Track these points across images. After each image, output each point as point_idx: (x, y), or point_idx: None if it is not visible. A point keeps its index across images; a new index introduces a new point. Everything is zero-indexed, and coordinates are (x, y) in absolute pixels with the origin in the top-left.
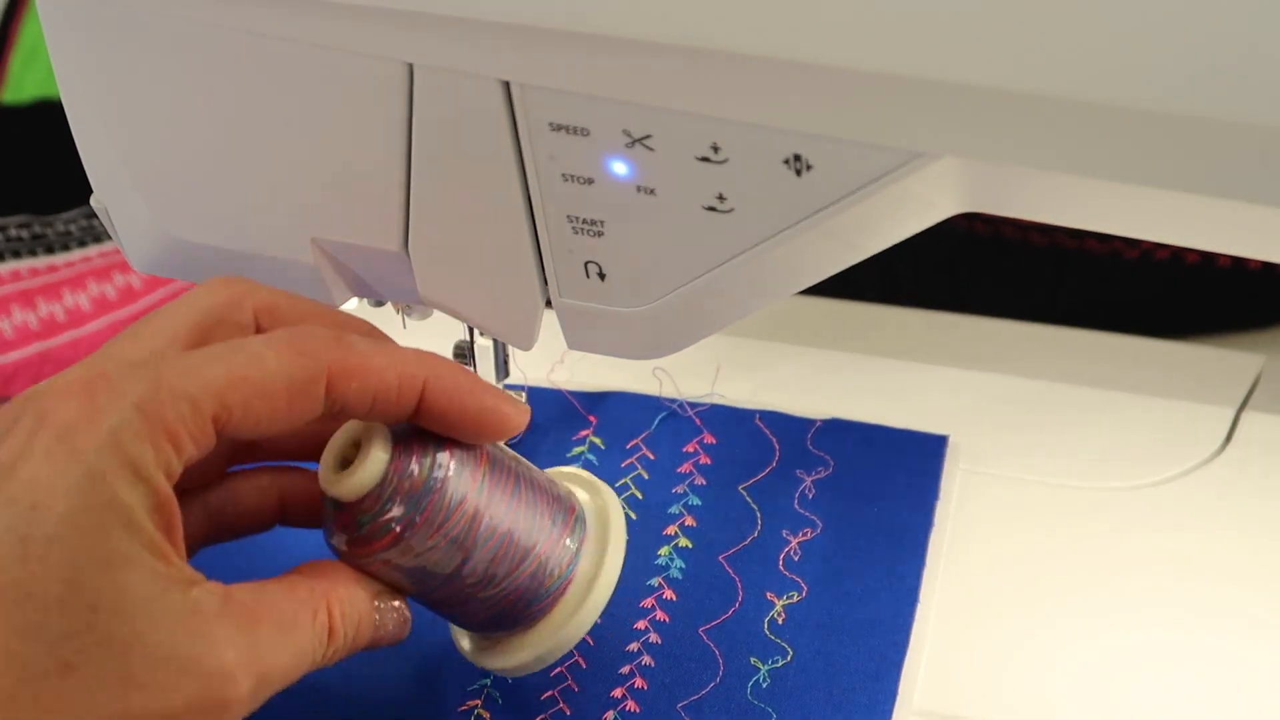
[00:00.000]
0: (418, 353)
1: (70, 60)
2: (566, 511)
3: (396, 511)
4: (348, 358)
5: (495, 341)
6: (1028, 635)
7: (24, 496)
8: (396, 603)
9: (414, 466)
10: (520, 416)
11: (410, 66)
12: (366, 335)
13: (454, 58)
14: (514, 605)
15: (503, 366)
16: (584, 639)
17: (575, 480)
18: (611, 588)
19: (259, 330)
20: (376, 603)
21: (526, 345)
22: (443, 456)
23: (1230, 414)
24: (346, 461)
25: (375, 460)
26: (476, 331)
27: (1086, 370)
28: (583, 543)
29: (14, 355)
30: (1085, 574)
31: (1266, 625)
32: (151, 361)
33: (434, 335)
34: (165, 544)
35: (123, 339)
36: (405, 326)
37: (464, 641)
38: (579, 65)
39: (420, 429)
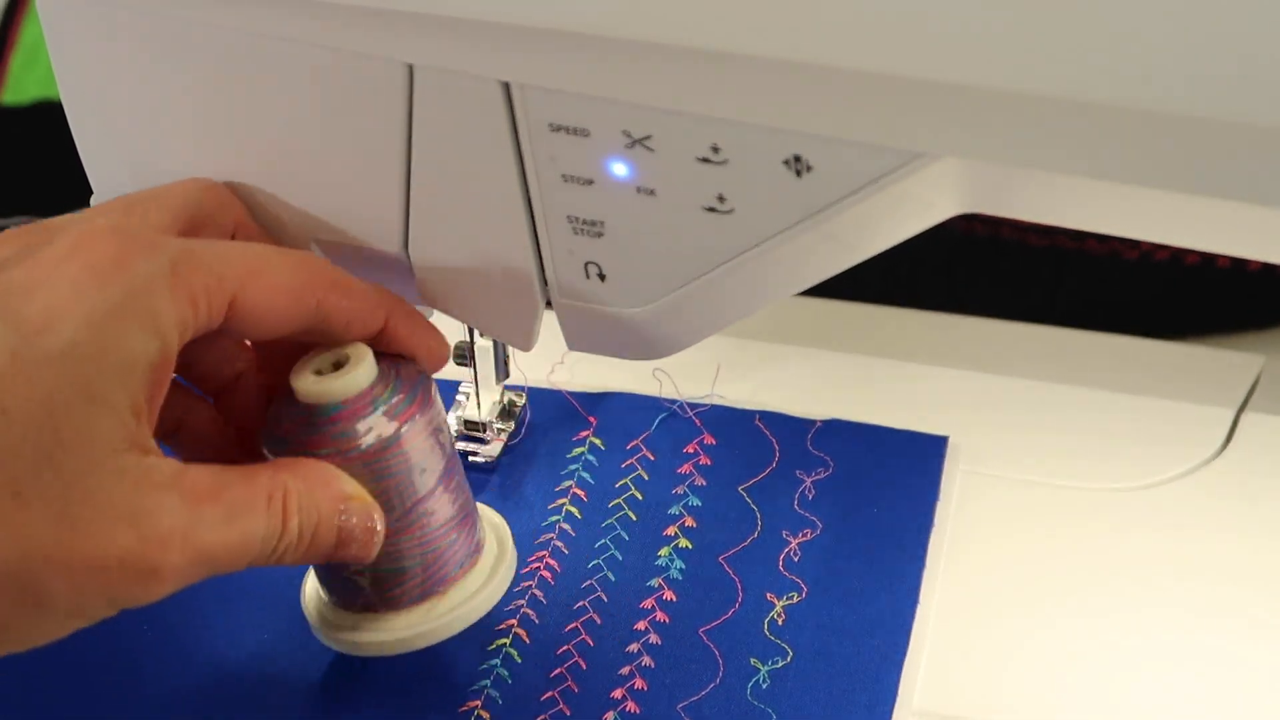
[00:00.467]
0: (376, 284)
1: (70, 60)
2: (476, 516)
3: (380, 416)
4: (337, 274)
5: (495, 342)
6: (1028, 635)
7: (34, 318)
8: (368, 510)
9: (398, 382)
10: (446, 351)
11: (410, 67)
12: None
13: (454, 58)
14: (412, 574)
15: (503, 367)
16: (584, 639)
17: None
18: (497, 598)
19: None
20: (343, 505)
21: (526, 346)
22: (421, 385)
23: (1230, 414)
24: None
25: (368, 363)
26: (476, 332)
27: (1086, 370)
28: (480, 552)
29: None
30: (1085, 574)
31: (1266, 625)
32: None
33: None
34: (144, 405)
35: (128, 212)
36: None
37: (314, 610)
38: (579, 65)
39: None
